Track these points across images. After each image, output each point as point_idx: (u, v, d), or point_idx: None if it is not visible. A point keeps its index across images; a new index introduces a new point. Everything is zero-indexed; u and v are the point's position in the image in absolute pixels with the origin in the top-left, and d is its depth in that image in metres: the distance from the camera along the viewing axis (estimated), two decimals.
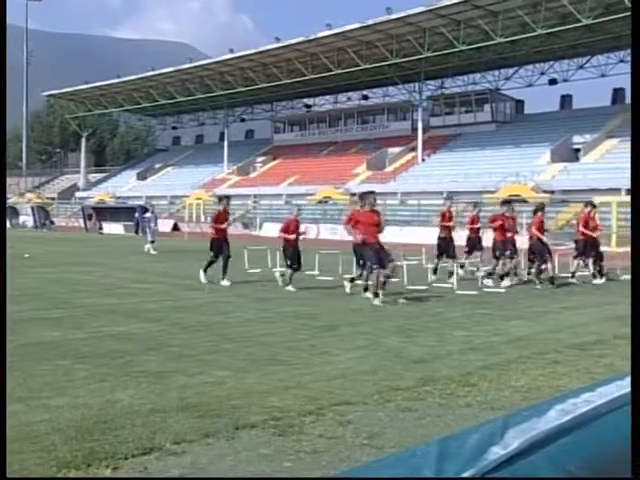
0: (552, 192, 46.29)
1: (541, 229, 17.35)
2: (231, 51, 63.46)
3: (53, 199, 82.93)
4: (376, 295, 13.33)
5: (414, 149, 61.11)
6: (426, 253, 21.41)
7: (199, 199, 62.56)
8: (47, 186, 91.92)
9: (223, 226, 17.01)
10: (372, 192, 14.40)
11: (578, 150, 51.42)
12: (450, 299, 14.25)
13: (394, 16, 50.63)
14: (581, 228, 18.41)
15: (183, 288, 15.89)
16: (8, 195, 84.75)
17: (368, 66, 56.54)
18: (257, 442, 4.99)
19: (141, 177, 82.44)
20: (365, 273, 14.40)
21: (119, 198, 74.21)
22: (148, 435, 5.06)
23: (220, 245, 16.84)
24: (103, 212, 58.54)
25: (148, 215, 31.60)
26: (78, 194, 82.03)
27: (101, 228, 54.65)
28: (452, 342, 9.19)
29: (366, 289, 14.10)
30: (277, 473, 4.42)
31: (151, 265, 21.36)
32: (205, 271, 16.68)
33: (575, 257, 18.32)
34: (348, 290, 14.86)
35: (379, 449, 4.82)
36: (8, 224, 62.03)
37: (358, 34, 54.23)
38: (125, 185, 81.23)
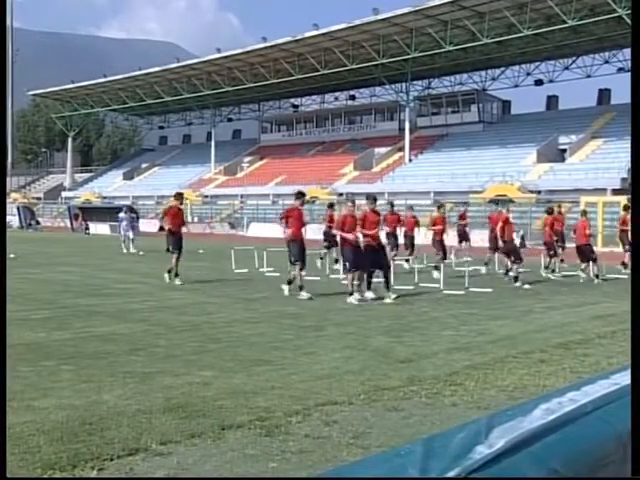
0: (538, 192, 46.49)
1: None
2: (218, 51, 63.36)
3: (39, 199, 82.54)
4: (351, 294, 13.70)
5: (401, 149, 61.20)
6: (414, 253, 21.41)
7: (186, 199, 62.41)
8: (33, 186, 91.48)
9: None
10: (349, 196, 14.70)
11: (564, 150, 51.66)
12: (436, 299, 14.28)
13: (381, 16, 50.69)
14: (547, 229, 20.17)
15: (167, 289, 15.83)
16: None
17: (355, 66, 56.57)
18: (243, 442, 4.98)
19: (128, 177, 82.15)
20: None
21: (105, 198, 73.94)
22: (134, 436, 5.04)
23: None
24: (89, 212, 58.25)
25: (121, 215, 31.50)
26: (64, 194, 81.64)
27: (87, 228, 54.36)
28: (438, 342, 9.21)
29: (352, 294, 13.88)
30: (263, 473, 4.41)
31: (136, 265, 21.28)
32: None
33: (550, 256, 20.04)
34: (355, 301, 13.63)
35: (365, 449, 4.82)
36: None
37: (345, 34, 54.26)
38: (111, 185, 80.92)
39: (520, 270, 17.55)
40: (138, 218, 53.03)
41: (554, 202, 43.33)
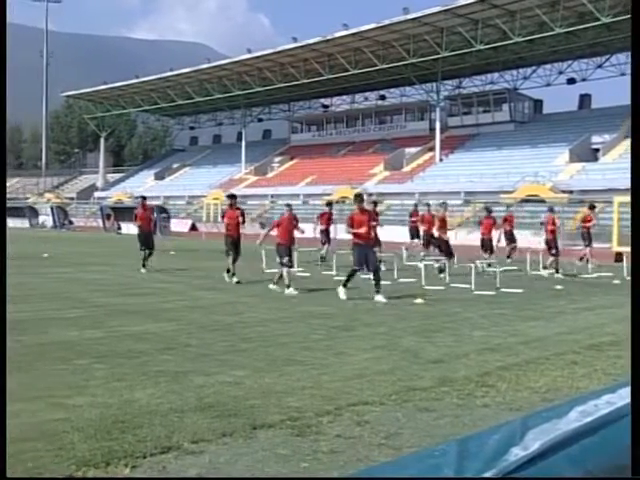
0: (570, 192, 46.00)
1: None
2: (249, 51, 63.56)
3: (72, 199, 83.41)
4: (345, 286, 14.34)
5: (432, 149, 60.94)
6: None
7: (216, 199, 62.72)
8: (66, 186, 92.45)
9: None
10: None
11: (597, 150, 51.07)
12: (467, 299, 14.20)
13: (411, 16, 50.49)
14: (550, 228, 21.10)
15: (199, 288, 15.93)
16: (27, 195, 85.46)
17: (385, 66, 56.43)
18: (274, 442, 4.99)
19: (159, 177, 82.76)
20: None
21: (137, 198, 74.52)
22: (166, 434, 5.08)
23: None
24: (121, 212, 58.77)
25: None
26: (96, 194, 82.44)
27: (119, 228, 54.89)
28: (470, 342, 9.16)
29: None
30: (294, 473, 4.42)
31: (168, 265, 21.43)
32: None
33: (553, 255, 20.63)
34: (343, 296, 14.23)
35: (397, 449, 4.81)
36: (27, 224, 62.56)
37: (375, 34, 54.14)
38: (143, 185, 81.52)
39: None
40: (169, 218, 53.49)
41: (587, 202, 43.06)
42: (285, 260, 15.38)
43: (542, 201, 45.16)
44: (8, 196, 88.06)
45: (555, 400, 6.03)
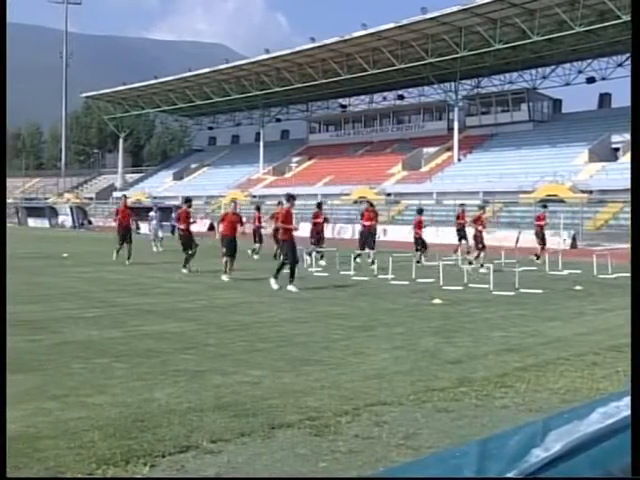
0: (590, 192, 45.74)
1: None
2: (267, 51, 63.69)
3: (91, 199, 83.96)
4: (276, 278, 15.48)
5: (450, 149, 60.79)
6: (462, 254, 21.25)
7: (235, 199, 62.87)
8: (85, 186, 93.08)
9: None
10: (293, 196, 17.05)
11: (617, 149, 50.71)
12: (486, 299, 14.15)
13: (429, 15, 50.41)
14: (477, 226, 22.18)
15: (216, 287, 15.98)
16: (47, 195, 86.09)
17: (403, 66, 56.37)
18: (293, 442, 5.00)
19: (177, 177, 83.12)
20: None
21: (155, 198, 74.85)
22: (185, 434, 5.10)
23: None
24: (140, 212, 59.00)
25: (151, 214, 31.94)
26: (115, 194, 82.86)
27: (138, 228, 55.05)
28: (488, 343, 9.13)
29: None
30: (313, 473, 4.42)
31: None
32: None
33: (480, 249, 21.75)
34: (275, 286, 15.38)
35: (415, 450, 4.80)
36: (47, 224, 63.00)
37: (393, 34, 54.09)
38: (161, 185, 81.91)
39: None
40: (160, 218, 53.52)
41: (606, 202, 42.82)
42: (224, 250, 17.74)
43: (561, 201, 44.92)
44: (29, 196, 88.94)
45: (574, 401, 5.99)
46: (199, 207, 67.21)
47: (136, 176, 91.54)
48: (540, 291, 15.64)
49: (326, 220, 25.12)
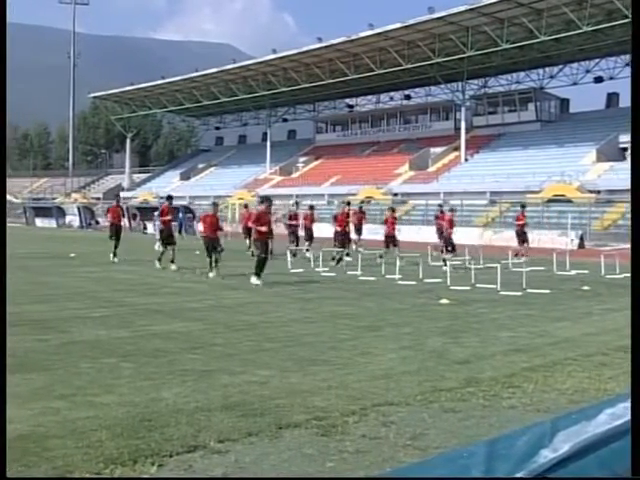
0: (598, 192, 45.59)
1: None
2: (274, 51, 63.74)
3: (98, 199, 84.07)
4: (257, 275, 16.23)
5: (457, 149, 60.70)
6: (469, 254, 21.22)
7: (242, 199, 62.93)
8: (92, 186, 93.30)
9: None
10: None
11: (625, 149, 50.52)
12: (494, 300, 14.13)
13: (436, 15, 50.35)
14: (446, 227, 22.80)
15: (223, 287, 16.00)
16: (54, 195, 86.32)
17: (410, 66, 56.31)
18: (300, 442, 5.00)
19: (184, 177, 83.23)
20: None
21: (162, 198, 75.01)
22: (192, 433, 5.11)
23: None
24: (147, 212, 59.11)
25: (156, 214, 31.97)
26: (123, 194, 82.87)
27: (145, 228, 55.18)
28: (496, 343, 9.11)
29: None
30: (320, 473, 4.42)
31: (191, 264, 21.52)
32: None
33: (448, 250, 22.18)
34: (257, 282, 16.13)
35: (423, 450, 4.80)
36: (55, 224, 63.17)
37: (400, 34, 54.04)
38: (168, 185, 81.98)
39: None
40: (194, 218, 53.71)
41: (614, 202, 42.68)
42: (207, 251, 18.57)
43: (569, 201, 44.84)
44: (36, 196, 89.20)
45: (582, 402, 5.98)
46: (206, 207, 67.33)
47: (143, 176, 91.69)
48: (548, 291, 15.62)
49: (296, 218, 27.14)
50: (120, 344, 8.67)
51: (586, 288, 16.35)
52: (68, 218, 66.56)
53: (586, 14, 44.70)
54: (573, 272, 20.01)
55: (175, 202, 25.17)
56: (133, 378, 6.81)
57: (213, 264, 18.15)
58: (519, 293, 15.13)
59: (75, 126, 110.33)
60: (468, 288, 15.87)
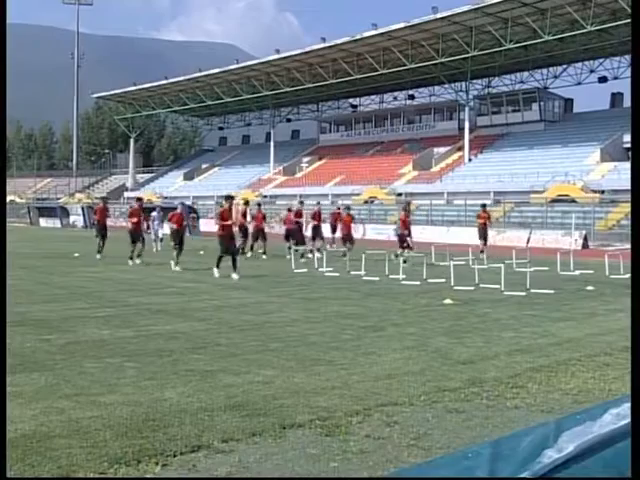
0: (602, 192, 45.53)
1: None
2: (277, 51, 63.77)
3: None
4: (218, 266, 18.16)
5: (461, 149, 60.68)
6: (473, 254, 21.21)
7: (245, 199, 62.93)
8: (96, 186, 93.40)
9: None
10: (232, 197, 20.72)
11: (629, 149, 50.42)
12: (497, 300, 14.11)
13: (440, 15, 50.34)
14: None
15: (227, 287, 15.99)
16: (58, 196, 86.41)
17: (414, 66, 56.30)
18: (304, 442, 5.00)
19: (188, 177, 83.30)
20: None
21: (166, 198, 75.08)
22: (196, 433, 5.11)
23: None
24: (151, 212, 59.09)
25: (153, 214, 32.02)
26: (126, 194, 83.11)
27: (149, 227, 55.21)
28: (500, 343, 9.10)
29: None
30: (324, 473, 4.42)
31: (195, 264, 21.55)
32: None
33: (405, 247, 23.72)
34: (216, 274, 17.92)
35: (426, 450, 4.80)
36: (59, 224, 63.24)
37: (404, 34, 54.04)
38: (172, 185, 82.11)
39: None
40: (198, 218, 53.74)
41: (618, 202, 42.60)
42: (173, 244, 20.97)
43: (573, 201, 44.77)
44: (40, 196, 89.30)
45: (586, 402, 5.98)
46: (210, 207, 67.37)
47: (147, 176, 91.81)
48: (551, 291, 15.59)
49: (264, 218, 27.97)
50: (124, 344, 8.68)
51: (590, 288, 16.32)
52: (72, 218, 66.57)
53: (590, 14, 44.65)
54: (577, 272, 19.97)
55: (177, 203, 26.65)
56: (137, 378, 6.82)
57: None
58: (523, 293, 15.10)
59: (79, 126, 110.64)
60: (472, 288, 15.85)
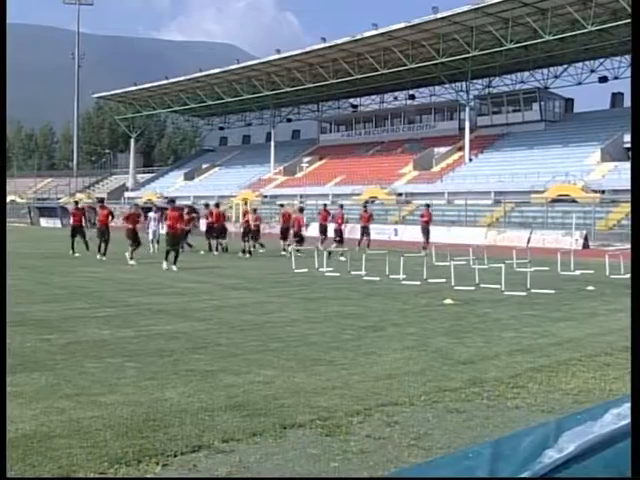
0: (602, 192, 45.52)
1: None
2: (277, 51, 63.75)
3: (103, 199, 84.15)
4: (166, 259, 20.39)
5: (461, 149, 60.67)
6: (474, 254, 21.20)
7: (246, 199, 62.96)
8: (97, 186, 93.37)
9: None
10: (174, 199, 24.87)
11: (630, 149, 50.41)
12: (498, 300, 14.11)
13: (440, 15, 50.31)
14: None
15: (227, 287, 16.00)
16: (59, 196, 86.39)
17: (414, 66, 56.28)
18: (304, 442, 5.00)
19: (188, 177, 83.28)
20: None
21: (167, 198, 75.03)
22: (197, 433, 5.11)
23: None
24: (148, 212, 59.06)
25: (151, 214, 32.00)
26: (127, 194, 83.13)
27: (149, 227, 55.19)
28: (500, 343, 9.10)
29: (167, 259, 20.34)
30: (324, 473, 4.43)
31: (196, 264, 21.57)
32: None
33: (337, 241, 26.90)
34: (165, 266, 20.02)
35: (427, 450, 4.80)
36: (59, 224, 63.23)
37: (404, 33, 54.01)
38: (173, 185, 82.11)
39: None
40: (199, 218, 53.72)
41: (619, 202, 42.59)
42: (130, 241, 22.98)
43: (573, 201, 44.76)
44: (41, 196, 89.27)
45: (587, 402, 5.98)
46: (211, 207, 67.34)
47: (147, 176, 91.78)
48: (552, 291, 15.59)
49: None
50: (125, 344, 8.68)
51: (590, 288, 16.32)
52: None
53: (591, 14, 44.63)
54: (577, 272, 19.97)
55: (179, 202, 27.10)
56: (137, 378, 6.82)
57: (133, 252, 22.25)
58: (523, 293, 15.10)
59: (79, 126, 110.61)
60: (472, 288, 15.85)
